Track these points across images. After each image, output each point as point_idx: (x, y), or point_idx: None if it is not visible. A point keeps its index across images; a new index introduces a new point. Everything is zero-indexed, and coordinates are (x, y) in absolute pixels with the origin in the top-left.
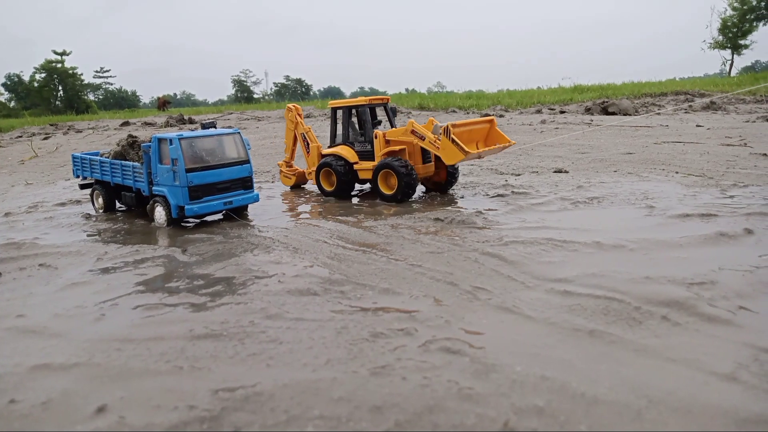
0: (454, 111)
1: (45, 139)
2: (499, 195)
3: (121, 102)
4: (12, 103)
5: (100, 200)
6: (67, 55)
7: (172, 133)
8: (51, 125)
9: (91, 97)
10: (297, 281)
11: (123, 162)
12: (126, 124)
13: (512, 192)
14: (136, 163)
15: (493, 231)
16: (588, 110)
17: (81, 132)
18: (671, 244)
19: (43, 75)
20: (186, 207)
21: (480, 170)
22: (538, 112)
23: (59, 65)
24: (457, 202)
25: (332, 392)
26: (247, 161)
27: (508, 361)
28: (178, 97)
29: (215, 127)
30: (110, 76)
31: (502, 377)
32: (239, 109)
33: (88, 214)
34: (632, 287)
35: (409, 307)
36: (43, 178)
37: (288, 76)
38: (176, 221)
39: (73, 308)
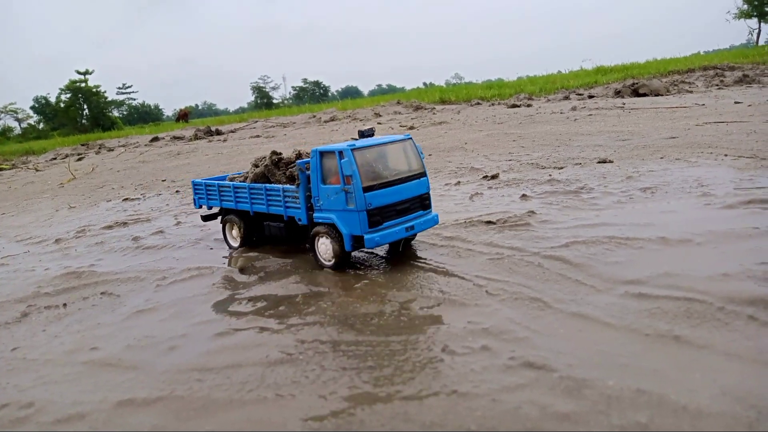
0: (478, 103)
1: (79, 159)
2: (546, 192)
3: (145, 116)
4: (41, 125)
5: (234, 232)
6: (90, 74)
7: (340, 143)
8: (82, 145)
9: (115, 113)
10: (359, 295)
11: (268, 185)
12: (156, 139)
13: (560, 187)
14: (288, 186)
15: (550, 232)
16: (618, 93)
17: (113, 150)
18: (740, 235)
19: (68, 95)
20: (365, 237)
21: (520, 165)
22: (566, 98)
23: (83, 84)
24: (504, 202)
25: (423, 416)
26: (424, 174)
27: (598, 375)
28: (200, 107)
29: (374, 136)
30: (132, 92)
31: (595, 393)
32: (263, 116)
33: (137, 236)
34: (711, 286)
35: (479, 319)
36: (84, 201)
37: (306, 78)
38: (347, 257)
39: (144, 338)
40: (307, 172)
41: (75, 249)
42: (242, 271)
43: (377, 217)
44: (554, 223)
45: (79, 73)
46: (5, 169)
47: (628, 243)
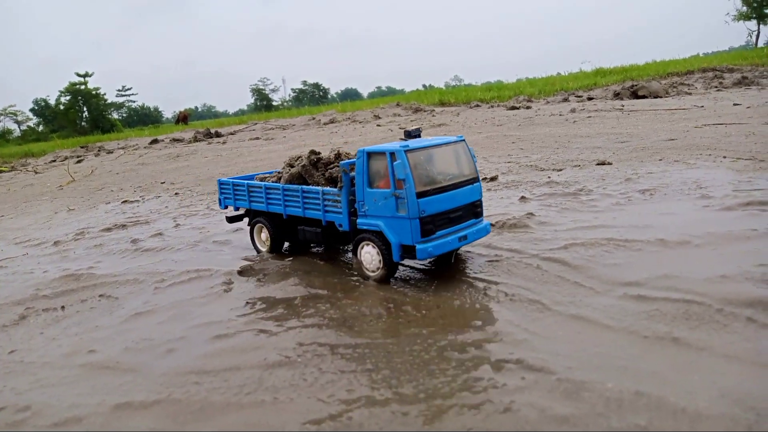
0: (477, 105)
1: (78, 162)
2: (545, 194)
3: (145, 119)
4: (40, 127)
5: (264, 235)
6: (90, 76)
7: (391, 144)
8: (81, 147)
9: (115, 115)
10: (357, 297)
11: (305, 187)
12: (155, 141)
13: (558, 189)
14: (328, 188)
15: (548, 234)
16: (617, 95)
17: (112, 153)
18: (739, 237)
19: (68, 97)
20: (417, 247)
21: (519, 167)
22: (565, 100)
23: (83, 87)
24: (503, 204)
25: (421, 418)
26: (477, 179)
27: (597, 377)
28: (200, 109)
29: (420, 137)
30: (132, 94)
31: (594, 396)
32: (262, 118)
33: (136, 239)
34: (709, 287)
35: (478, 321)
36: (83, 203)
37: (305, 81)
38: (394, 268)
39: (142, 341)
40: (351, 174)
41: (74, 251)
42: (241, 273)
43: (430, 225)
44: (553, 225)
45: (78, 75)
46: (4, 171)
47: (626, 245)
